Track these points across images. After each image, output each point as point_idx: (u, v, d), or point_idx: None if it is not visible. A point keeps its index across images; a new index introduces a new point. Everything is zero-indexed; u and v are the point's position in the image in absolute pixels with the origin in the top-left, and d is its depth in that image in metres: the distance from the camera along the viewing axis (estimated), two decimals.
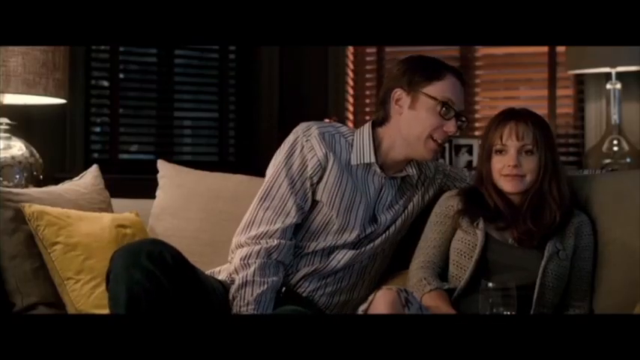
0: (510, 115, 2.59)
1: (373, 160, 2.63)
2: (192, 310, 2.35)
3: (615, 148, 4.41)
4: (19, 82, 3.37)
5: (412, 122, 2.61)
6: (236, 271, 2.52)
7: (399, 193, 2.72)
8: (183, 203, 3.10)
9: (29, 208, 2.76)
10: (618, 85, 4.43)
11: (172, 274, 2.30)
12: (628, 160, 4.37)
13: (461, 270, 2.55)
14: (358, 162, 2.64)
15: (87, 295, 2.70)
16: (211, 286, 2.50)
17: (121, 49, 4.95)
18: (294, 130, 2.66)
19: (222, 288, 2.54)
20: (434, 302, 2.46)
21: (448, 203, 2.64)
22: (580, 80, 4.86)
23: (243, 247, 2.56)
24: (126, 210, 3.03)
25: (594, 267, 2.61)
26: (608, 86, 4.47)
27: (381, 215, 2.68)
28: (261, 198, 2.61)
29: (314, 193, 2.62)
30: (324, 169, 2.61)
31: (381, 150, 2.66)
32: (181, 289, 2.32)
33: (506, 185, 2.56)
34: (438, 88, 2.59)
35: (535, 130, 2.54)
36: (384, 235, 2.68)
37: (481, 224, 2.55)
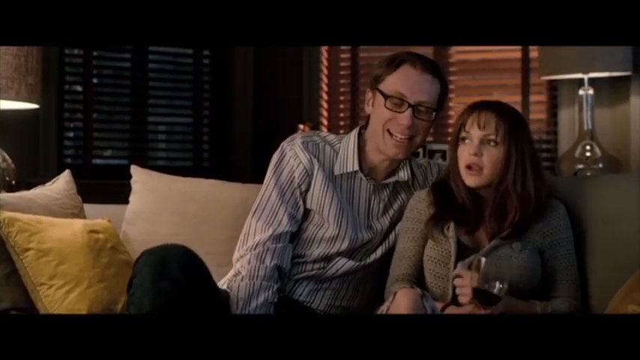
0: (478, 105, 2.51)
1: (356, 167, 2.60)
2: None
3: (588, 154, 4.42)
4: None
5: (372, 119, 2.61)
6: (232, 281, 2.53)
7: (392, 198, 2.67)
8: (155, 208, 3.10)
9: (0, 215, 2.74)
10: (591, 91, 4.44)
11: (198, 284, 2.27)
12: (600, 165, 4.39)
13: (439, 279, 2.48)
14: (342, 171, 2.61)
15: (60, 300, 2.69)
16: (222, 296, 2.49)
17: (95, 53, 4.92)
18: (280, 144, 2.66)
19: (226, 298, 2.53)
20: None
21: (418, 207, 2.56)
22: (553, 86, 4.87)
23: (239, 260, 2.57)
24: (99, 215, 3.02)
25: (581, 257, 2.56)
26: (581, 92, 4.49)
27: (376, 223, 2.64)
28: (254, 211, 2.62)
29: (304, 202, 2.61)
30: (310, 177, 2.60)
31: (365, 155, 2.63)
32: (202, 299, 2.29)
33: (467, 178, 2.47)
34: (390, 82, 2.55)
35: (500, 120, 2.45)
36: (384, 245, 2.65)
37: (451, 231, 2.47)
